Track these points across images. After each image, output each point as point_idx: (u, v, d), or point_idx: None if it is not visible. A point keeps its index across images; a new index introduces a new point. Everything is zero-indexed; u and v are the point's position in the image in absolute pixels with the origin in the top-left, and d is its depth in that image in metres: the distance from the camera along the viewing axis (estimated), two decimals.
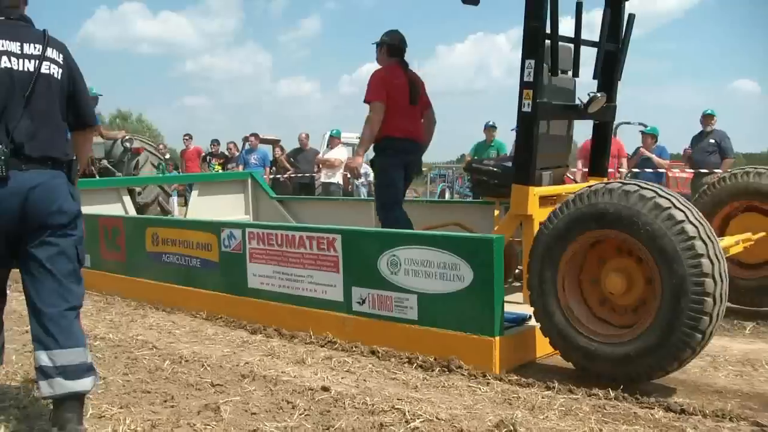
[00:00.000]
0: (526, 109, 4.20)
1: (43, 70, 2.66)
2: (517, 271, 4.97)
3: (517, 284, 4.94)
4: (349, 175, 4.94)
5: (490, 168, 4.92)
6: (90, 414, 3.01)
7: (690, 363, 3.66)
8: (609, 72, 4.66)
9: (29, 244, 2.66)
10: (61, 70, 2.72)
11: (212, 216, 6.96)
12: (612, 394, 3.22)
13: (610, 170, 8.94)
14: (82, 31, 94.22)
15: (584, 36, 4.47)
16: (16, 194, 2.57)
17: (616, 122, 10.98)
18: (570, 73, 4.54)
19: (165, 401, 3.25)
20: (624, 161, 9.67)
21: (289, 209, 7.96)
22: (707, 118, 9.08)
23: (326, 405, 3.16)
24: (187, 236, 5.37)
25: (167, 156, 16.07)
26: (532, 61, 4.17)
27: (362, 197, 11.42)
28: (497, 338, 3.63)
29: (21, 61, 2.62)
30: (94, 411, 3.06)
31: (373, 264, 4.08)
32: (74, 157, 2.79)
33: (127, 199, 7.63)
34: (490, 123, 10.86)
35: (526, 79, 4.19)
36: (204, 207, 7.99)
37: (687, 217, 3.17)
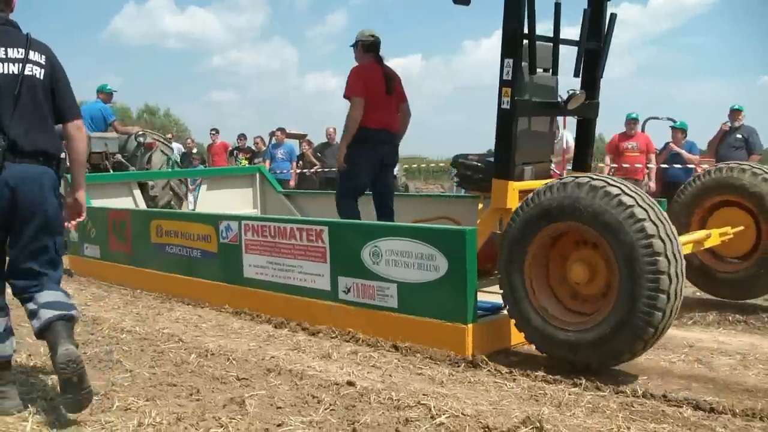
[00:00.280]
0: (505, 106, 4.35)
1: (27, 72, 2.90)
2: None
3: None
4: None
5: (474, 163, 5.08)
6: (116, 406, 3.07)
7: (719, 361, 3.75)
8: (591, 70, 4.79)
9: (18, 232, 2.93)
10: (43, 71, 2.97)
11: (220, 210, 7.18)
12: (640, 391, 3.20)
13: (638, 165, 9.12)
14: (111, 26, 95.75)
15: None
16: (6, 185, 2.83)
17: (644, 117, 11.00)
18: (550, 71, 4.68)
19: (191, 394, 3.26)
20: (653, 156, 9.49)
21: (296, 203, 8.17)
22: (735, 113, 8.98)
23: (352, 400, 3.14)
24: (188, 228, 5.62)
25: (194, 150, 16.20)
26: (511, 60, 4.32)
27: None
28: (470, 325, 3.82)
29: (5, 65, 2.87)
30: (120, 403, 3.10)
31: (357, 254, 4.29)
32: (64, 155, 3.04)
33: (137, 192, 7.92)
34: None
35: (504, 77, 4.34)
36: (213, 201, 8.22)
37: (622, 191, 3.37)
